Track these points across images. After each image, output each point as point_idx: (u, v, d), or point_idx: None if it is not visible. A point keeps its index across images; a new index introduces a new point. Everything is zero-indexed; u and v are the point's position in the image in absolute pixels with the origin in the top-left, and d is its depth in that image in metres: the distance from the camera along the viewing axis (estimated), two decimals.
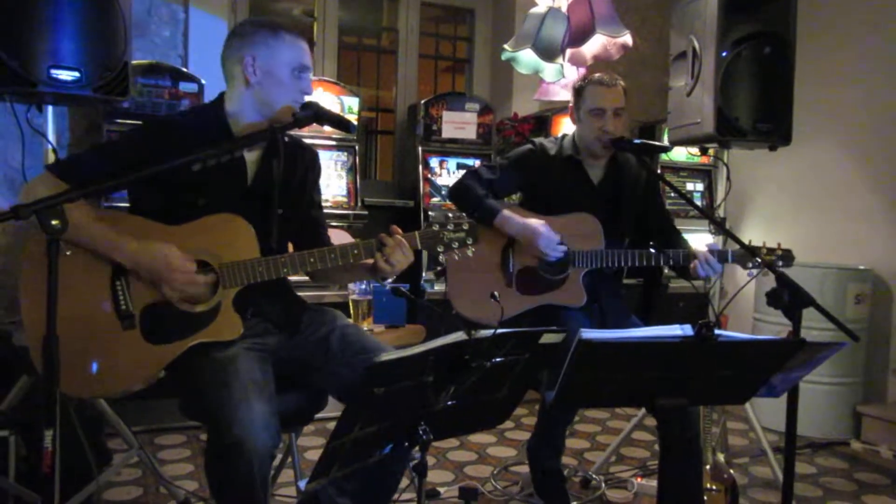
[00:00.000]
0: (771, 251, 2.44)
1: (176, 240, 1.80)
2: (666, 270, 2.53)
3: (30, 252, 1.75)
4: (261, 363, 1.83)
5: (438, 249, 1.90)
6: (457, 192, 2.54)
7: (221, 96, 1.96)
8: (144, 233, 1.80)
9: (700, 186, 4.81)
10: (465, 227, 1.91)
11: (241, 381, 1.70)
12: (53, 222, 1.37)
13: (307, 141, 2.19)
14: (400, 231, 1.88)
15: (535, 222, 2.42)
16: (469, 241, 1.92)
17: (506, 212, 2.44)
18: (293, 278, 2.00)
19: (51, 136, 2.38)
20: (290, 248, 2.09)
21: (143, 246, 1.76)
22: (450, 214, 1.93)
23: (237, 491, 1.65)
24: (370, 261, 1.90)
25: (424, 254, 3.62)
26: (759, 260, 2.30)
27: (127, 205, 1.96)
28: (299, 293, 2.13)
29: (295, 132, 2.02)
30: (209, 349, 1.79)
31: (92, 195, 1.73)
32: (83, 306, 1.76)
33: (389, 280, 1.98)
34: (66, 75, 2.17)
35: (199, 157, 1.74)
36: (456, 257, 1.95)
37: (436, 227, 1.90)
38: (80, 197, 1.48)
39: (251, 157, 1.95)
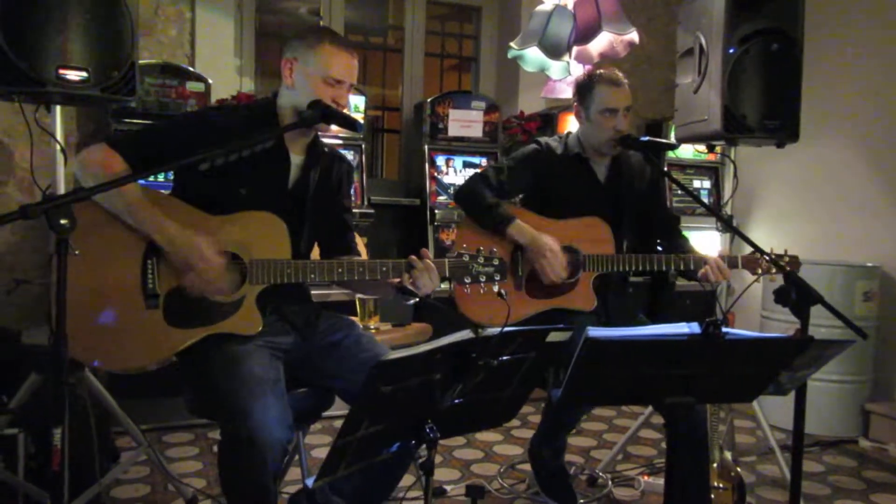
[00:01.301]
0: (778, 257, 2.41)
1: (213, 228, 1.84)
2: (672, 269, 2.50)
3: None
4: (273, 361, 1.86)
5: (466, 280, 1.92)
6: (465, 197, 2.48)
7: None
8: (184, 218, 1.84)
9: (707, 184, 4.80)
10: (496, 262, 1.93)
11: (256, 376, 1.73)
12: (62, 221, 1.37)
13: None
14: (430, 255, 1.90)
15: (547, 241, 2.35)
16: (497, 278, 1.93)
17: (518, 221, 2.39)
18: None
19: (59, 135, 2.39)
20: (316, 247, 2.14)
21: (183, 231, 1.79)
22: (481, 248, 1.94)
23: (249, 483, 1.67)
24: (396, 280, 1.92)
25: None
26: (767, 261, 2.29)
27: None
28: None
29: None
30: (223, 343, 1.81)
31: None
32: (112, 280, 1.79)
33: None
34: (73, 75, 2.18)
35: (237, 145, 1.78)
36: (482, 291, 1.95)
37: (466, 258, 1.92)
38: (88, 197, 1.49)
39: (296, 161, 2.00)
